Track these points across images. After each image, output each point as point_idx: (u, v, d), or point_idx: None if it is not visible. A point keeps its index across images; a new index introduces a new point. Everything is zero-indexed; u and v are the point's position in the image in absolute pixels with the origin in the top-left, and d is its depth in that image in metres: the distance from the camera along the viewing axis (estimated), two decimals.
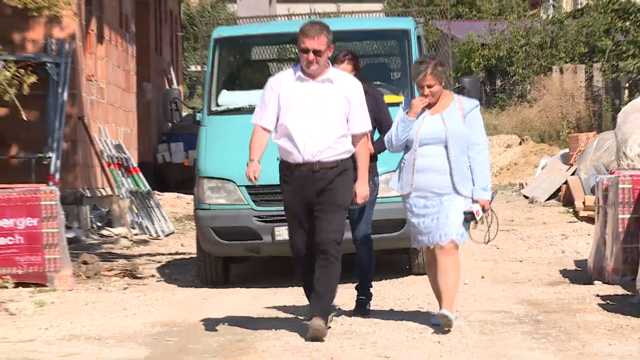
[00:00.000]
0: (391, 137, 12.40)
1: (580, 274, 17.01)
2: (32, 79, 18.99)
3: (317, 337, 12.01)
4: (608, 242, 15.83)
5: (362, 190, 12.17)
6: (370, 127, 12.38)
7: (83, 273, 18.79)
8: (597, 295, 15.32)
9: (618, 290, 15.39)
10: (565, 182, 27.88)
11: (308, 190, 11.87)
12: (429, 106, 12.18)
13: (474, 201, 12.17)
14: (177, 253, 21.87)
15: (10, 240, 17.40)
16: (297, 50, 20.88)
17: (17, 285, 16.73)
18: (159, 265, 20.22)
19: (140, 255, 21.24)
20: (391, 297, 15.61)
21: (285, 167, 12.05)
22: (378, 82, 18.89)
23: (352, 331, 13.32)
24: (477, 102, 12.62)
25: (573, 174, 27.76)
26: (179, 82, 43.02)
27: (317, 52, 11.70)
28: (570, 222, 24.11)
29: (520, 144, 39.33)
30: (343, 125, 11.91)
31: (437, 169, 12.11)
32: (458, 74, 39.47)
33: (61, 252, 17.74)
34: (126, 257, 20.73)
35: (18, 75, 18.52)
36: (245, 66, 19.06)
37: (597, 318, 14.00)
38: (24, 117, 19.29)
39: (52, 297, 16.78)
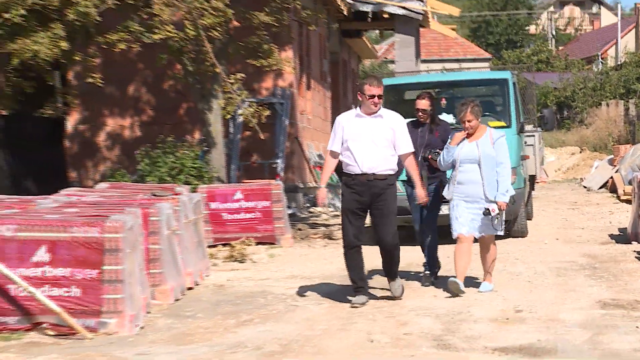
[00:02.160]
0: (441, 160, 12.06)
1: (622, 237, 16.68)
2: (266, 112, 19.10)
3: (397, 296, 11.56)
4: None
5: (420, 192, 11.68)
6: (412, 149, 11.61)
7: (298, 236, 18.87)
8: (634, 251, 15.00)
9: None
10: (611, 177, 27.49)
11: (364, 194, 11.31)
12: (468, 136, 11.78)
13: (494, 202, 11.62)
14: None
15: (253, 215, 17.55)
16: (434, 92, 20.83)
17: (257, 244, 16.84)
18: None
19: (334, 225, 21.20)
20: (497, 252, 15.43)
21: (347, 177, 11.48)
22: (487, 114, 18.68)
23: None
24: (503, 132, 12.25)
25: (616, 171, 27.31)
26: None
27: (380, 97, 11.32)
28: (614, 203, 23.69)
29: (580, 152, 38.70)
30: (389, 147, 11.37)
31: (473, 181, 11.68)
32: (539, 107, 39.11)
33: (284, 223, 17.89)
34: (325, 226, 20.72)
35: (258, 110, 18.64)
36: (401, 103, 18.88)
37: (634, 266, 13.82)
38: (261, 137, 19.40)
39: (279, 252, 16.90)
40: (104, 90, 21.34)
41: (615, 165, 28.90)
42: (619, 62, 57.77)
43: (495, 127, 17.62)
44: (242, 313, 11.07)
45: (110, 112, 22.86)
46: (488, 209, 11.51)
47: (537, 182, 23.14)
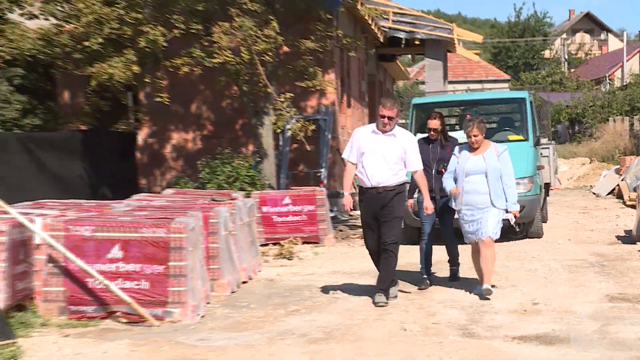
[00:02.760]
0: (444, 185, 11.43)
1: (627, 238, 16.42)
2: (311, 127, 19.15)
3: (380, 306, 10.61)
4: None
5: (428, 204, 11.14)
6: (421, 166, 11.11)
7: (339, 236, 18.73)
8: (639, 251, 14.82)
9: None
10: (618, 185, 27.19)
11: (375, 205, 10.86)
12: (473, 150, 11.26)
13: (508, 212, 11.07)
14: None
15: (299, 217, 17.43)
16: (459, 109, 20.75)
17: (303, 243, 16.76)
18: None
19: None
20: (516, 251, 15.33)
21: (360, 190, 11.14)
22: (507, 128, 18.58)
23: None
24: (506, 147, 11.54)
25: (622, 180, 27.00)
26: None
27: (390, 118, 10.82)
28: (621, 208, 23.38)
29: (590, 162, 38.30)
30: (399, 163, 10.80)
31: (480, 191, 11.06)
32: (553, 123, 38.86)
33: (327, 224, 17.76)
34: None
35: (304, 125, 18.66)
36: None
37: (639, 264, 13.60)
38: (308, 148, 19.45)
39: (323, 250, 16.81)
40: (170, 108, 21.47)
41: (621, 174, 28.64)
42: (624, 83, 57.43)
43: (513, 141, 17.63)
44: (290, 304, 11.10)
45: (175, 127, 22.96)
46: (507, 220, 11.11)
47: (552, 189, 22.99)
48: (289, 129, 19.83)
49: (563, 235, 17.74)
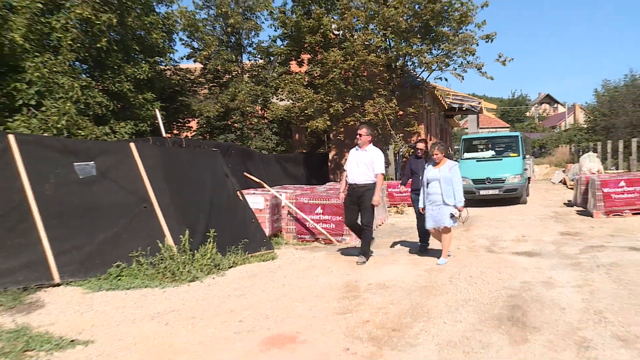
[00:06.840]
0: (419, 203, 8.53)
1: (569, 204, 15.20)
2: (412, 151, 18.59)
3: (360, 264, 8.04)
4: (578, 195, 14.12)
5: (376, 198, 8.01)
6: (382, 170, 8.18)
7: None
8: (575, 211, 13.68)
9: (581, 209, 13.68)
10: (564, 177, 25.42)
11: (353, 196, 8.10)
12: (435, 164, 8.23)
13: (455, 207, 8.01)
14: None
15: (407, 194, 16.70)
16: (485, 141, 19.70)
17: (408, 206, 15.80)
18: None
19: None
20: (514, 210, 14.46)
21: (349, 186, 8.30)
22: (509, 150, 17.60)
23: (479, 234, 12.43)
24: (457, 163, 8.43)
25: (566, 175, 25.22)
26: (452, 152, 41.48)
27: (360, 135, 8.19)
28: (566, 189, 21.78)
29: (549, 167, 36.00)
30: (368, 168, 8.09)
31: (436, 192, 8.07)
32: (532, 147, 36.69)
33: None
34: None
35: (408, 149, 18.16)
36: (471, 146, 18.03)
37: (575, 217, 12.51)
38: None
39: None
40: (344, 141, 21.37)
41: (565, 172, 26.82)
42: (565, 128, 53.92)
43: (513, 156, 16.68)
44: (402, 235, 10.80)
45: (347, 150, 22.86)
46: (453, 214, 8.19)
47: (531, 180, 21.66)
48: (402, 151, 19.39)
49: (537, 202, 16.62)
